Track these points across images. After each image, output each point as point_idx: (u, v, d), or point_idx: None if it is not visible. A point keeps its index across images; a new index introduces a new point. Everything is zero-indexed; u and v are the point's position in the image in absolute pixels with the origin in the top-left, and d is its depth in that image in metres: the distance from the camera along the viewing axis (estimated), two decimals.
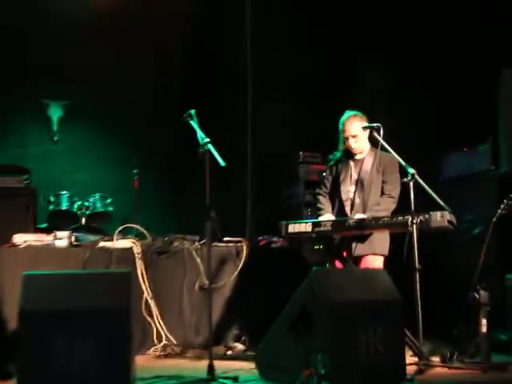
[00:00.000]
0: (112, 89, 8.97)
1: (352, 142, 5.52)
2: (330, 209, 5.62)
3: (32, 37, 8.43)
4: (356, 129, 5.48)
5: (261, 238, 6.82)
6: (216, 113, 7.59)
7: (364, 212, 5.40)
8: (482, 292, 4.97)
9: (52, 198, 7.83)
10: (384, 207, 5.37)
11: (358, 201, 5.50)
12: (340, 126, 5.58)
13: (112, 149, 9.26)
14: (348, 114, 5.57)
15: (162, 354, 5.73)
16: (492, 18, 7.09)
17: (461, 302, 5.28)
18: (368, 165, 5.51)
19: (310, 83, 8.43)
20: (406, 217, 4.91)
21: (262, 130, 8.46)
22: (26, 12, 8.24)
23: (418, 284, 4.73)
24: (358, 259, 5.44)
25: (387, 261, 5.43)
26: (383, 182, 5.48)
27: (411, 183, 4.89)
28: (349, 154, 5.64)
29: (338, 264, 5.49)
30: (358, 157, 5.60)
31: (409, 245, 4.83)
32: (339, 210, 5.58)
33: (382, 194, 5.47)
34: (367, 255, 5.40)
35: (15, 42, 8.33)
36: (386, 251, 5.43)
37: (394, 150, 5.22)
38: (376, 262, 5.37)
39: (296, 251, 6.46)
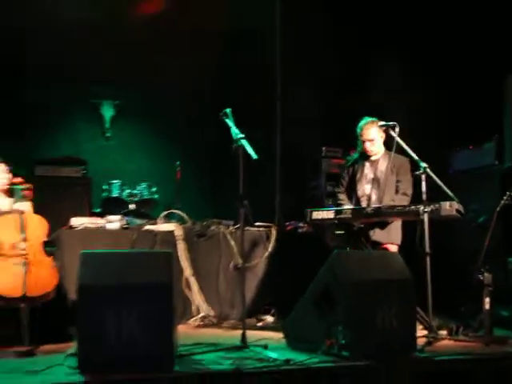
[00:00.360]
0: (157, 89, 8.99)
1: (368, 146, 5.49)
2: (348, 204, 5.59)
3: (85, 43, 8.48)
4: (372, 133, 5.45)
5: (288, 223, 6.80)
6: (248, 112, 7.58)
7: None
8: (485, 274, 4.91)
9: (105, 187, 7.91)
10: (399, 204, 5.32)
11: (374, 198, 5.47)
12: (358, 131, 5.54)
13: (157, 143, 9.30)
14: (366, 120, 5.52)
15: (200, 324, 5.75)
16: (500, 22, 6.95)
17: (467, 282, 5.24)
18: (383, 165, 5.48)
19: (333, 83, 8.37)
20: (418, 206, 4.88)
21: (289, 127, 8.44)
22: (76, 21, 8.27)
23: (428, 266, 4.70)
24: (375, 246, 5.41)
25: (401, 247, 5.40)
26: (397, 181, 5.44)
27: (423, 176, 4.85)
28: (365, 156, 5.60)
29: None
30: (373, 158, 5.56)
31: (420, 231, 4.80)
32: (356, 206, 5.56)
33: (397, 192, 5.43)
34: (385, 244, 5.38)
35: (71, 46, 8.37)
36: (399, 241, 5.41)
37: (407, 145, 5.18)
38: (392, 249, 5.34)
39: (319, 236, 6.43)
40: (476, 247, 5.37)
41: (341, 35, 8.23)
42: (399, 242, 5.42)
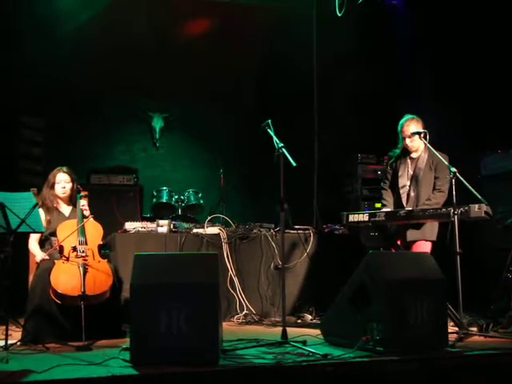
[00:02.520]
0: (202, 103, 9.11)
1: (408, 142, 5.44)
2: (391, 202, 5.56)
3: (137, 62, 8.64)
4: (412, 130, 5.40)
5: (325, 226, 6.79)
6: (287, 122, 7.61)
7: (417, 204, 5.34)
8: None
9: (155, 193, 8.02)
10: (435, 201, 5.27)
11: (412, 194, 5.43)
12: (399, 127, 5.51)
13: (203, 152, 9.40)
14: (406, 117, 5.49)
15: (243, 321, 5.78)
16: None
17: (496, 281, 5.16)
18: (422, 162, 5.43)
19: (366, 94, 8.34)
20: (449, 208, 4.83)
21: (326, 135, 8.43)
22: (133, 42, 8.45)
23: (458, 266, 4.64)
24: (410, 244, 5.36)
25: (435, 245, 5.33)
26: (435, 177, 5.39)
27: (453, 180, 4.81)
28: (406, 152, 5.56)
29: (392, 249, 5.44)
30: (413, 155, 5.51)
31: (451, 232, 4.75)
32: (397, 201, 5.53)
33: (434, 189, 5.38)
34: (419, 241, 5.32)
35: (126, 64, 8.55)
36: (434, 237, 5.32)
37: (439, 151, 5.15)
38: (425, 246, 5.28)
39: (355, 237, 6.42)
40: (504, 247, 5.29)
41: (373, 48, 8.19)
42: (434, 239, 5.32)
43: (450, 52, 7.51)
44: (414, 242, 5.34)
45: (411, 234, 5.33)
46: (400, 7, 7.94)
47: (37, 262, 4.92)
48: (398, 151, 5.64)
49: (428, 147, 5.23)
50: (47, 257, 4.87)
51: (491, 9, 6.88)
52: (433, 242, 5.33)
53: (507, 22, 6.79)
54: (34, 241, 5.02)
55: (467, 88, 7.21)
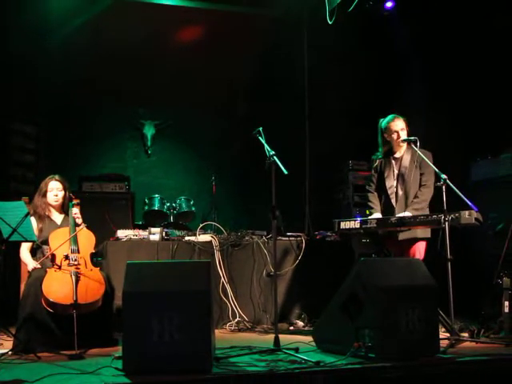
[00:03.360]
0: (194, 110, 9.13)
1: (402, 135, 5.43)
2: (379, 207, 5.57)
3: (129, 70, 8.65)
4: (401, 124, 5.42)
5: (317, 233, 6.80)
6: (279, 130, 7.64)
7: (406, 202, 5.35)
8: (504, 278, 4.87)
9: (146, 200, 8.02)
10: (422, 198, 5.29)
11: (400, 192, 5.43)
12: (384, 127, 5.50)
13: (194, 160, 9.42)
14: (391, 115, 5.50)
15: (235, 328, 5.79)
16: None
17: (487, 287, 5.18)
18: (406, 160, 5.44)
19: (356, 102, 8.38)
20: (440, 215, 4.84)
21: (318, 142, 8.47)
22: (137, 47, 8.48)
23: (449, 272, 4.65)
24: (403, 243, 5.34)
25: (429, 243, 5.31)
26: (420, 174, 5.40)
27: (443, 187, 4.83)
28: (389, 153, 5.57)
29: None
30: (397, 155, 5.52)
31: (442, 239, 4.77)
32: (386, 203, 5.51)
33: (420, 185, 5.40)
34: (412, 239, 5.30)
35: (119, 72, 8.56)
36: (428, 234, 5.30)
37: (422, 148, 5.19)
38: (420, 245, 5.28)
39: (346, 244, 6.43)
40: (495, 253, 5.31)
41: (363, 56, 8.24)
42: (427, 236, 5.29)
43: (442, 59, 7.57)
44: (406, 240, 5.32)
45: (403, 233, 5.31)
46: (393, 15, 7.97)
47: (28, 271, 4.90)
48: (380, 154, 5.66)
49: (416, 151, 5.22)
50: (39, 266, 4.85)
51: (484, 16, 6.93)
52: (426, 240, 5.33)
53: (498, 30, 6.85)
54: (25, 249, 5.00)
55: (458, 94, 7.27)
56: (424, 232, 5.30)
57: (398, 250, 5.41)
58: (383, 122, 5.52)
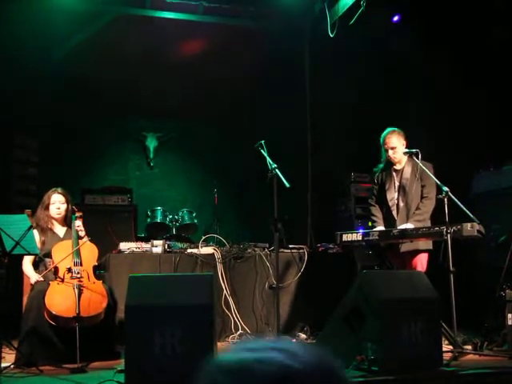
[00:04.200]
0: (196, 122, 9.17)
1: (391, 153, 5.48)
2: (381, 218, 5.58)
3: (130, 83, 8.72)
4: (394, 142, 5.45)
5: (319, 245, 6.80)
6: (281, 142, 7.68)
7: (408, 214, 5.36)
8: (507, 291, 4.86)
9: (149, 213, 8.03)
10: (424, 210, 5.31)
11: (401, 204, 5.44)
12: (381, 141, 5.55)
13: (196, 172, 9.45)
14: (388, 130, 5.54)
15: (238, 341, 5.76)
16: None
17: (490, 299, 5.18)
18: (407, 173, 5.47)
19: (359, 113, 8.40)
20: (442, 227, 4.85)
21: (320, 154, 8.50)
22: (139, 59, 8.55)
23: (452, 284, 4.66)
24: (405, 255, 5.34)
25: (431, 255, 5.31)
26: (422, 186, 5.43)
27: (445, 199, 4.84)
28: (390, 165, 5.59)
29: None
30: (397, 167, 5.55)
31: (444, 251, 4.78)
32: (387, 215, 5.52)
33: (422, 197, 5.41)
34: (414, 251, 5.30)
35: (122, 87, 8.62)
36: (430, 246, 5.31)
37: (423, 160, 5.20)
38: (422, 257, 5.28)
39: (349, 256, 6.44)
40: (498, 265, 5.31)
41: (366, 67, 8.27)
42: (429, 247, 5.30)
43: (444, 69, 7.58)
44: (409, 252, 5.33)
45: (404, 245, 5.31)
46: (397, 27, 8.01)
47: (31, 284, 4.91)
48: (381, 166, 5.69)
49: (417, 163, 5.24)
50: (41, 278, 4.87)
51: (486, 27, 6.96)
52: (428, 251, 5.33)
53: (500, 41, 6.87)
54: (27, 262, 5.02)
55: (460, 104, 7.29)
56: (426, 244, 5.30)
57: (399, 262, 5.41)
58: (382, 136, 5.56)
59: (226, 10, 8.32)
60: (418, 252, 5.30)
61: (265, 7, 8.23)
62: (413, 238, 5.15)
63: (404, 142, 5.48)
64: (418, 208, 5.37)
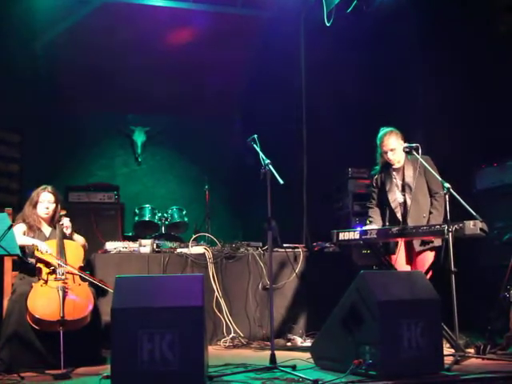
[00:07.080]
0: (186, 116, 9.16)
1: (390, 155, 5.48)
2: (379, 220, 5.58)
3: (118, 76, 8.68)
4: (393, 143, 5.45)
5: (315, 244, 6.80)
6: (275, 137, 7.66)
7: (418, 211, 5.35)
8: (511, 292, 4.87)
9: (137, 211, 8.01)
10: (438, 212, 5.29)
11: (409, 202, 5.40)
12: (378, 142, 5.54)
13: (186, 168, 9.44)
14: (385, 130, 5.53)
15: (230, 344, 5.78)
16: None
17: (493, 300, 5.18)
18: (409, 170, 5.47)
19: (356, 107, 8.40)
20: (443, 225, 4.85)
21: (315, 150, 8.48)
22: (126, 51, 8.52)
23: (453, 284, 4.66)
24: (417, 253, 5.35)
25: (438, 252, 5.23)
26: (427, 181, 5.43)
27: (447, 196, 4.84)
28: (388, 165, 5.59)
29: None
30: (396, 166, 5.54)
31: (445, 250, 4.78)
32: (391, 218, 5.51)
33: (430, 195, 5.40)
34: (420, 249, 5.31)
35: (107, 78, 8.59)
36: (435, 243, 5.28)
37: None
38: (428, 256, 5.30)
39: (346, 255, 6.44)
40: (501, 264, 5.32)
41: (364, 60, 8.27)
42: (435, 244, 5.28)
43: (444, 64, 7.59)
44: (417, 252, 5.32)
45: (417, 243, 5.30)
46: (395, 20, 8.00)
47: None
48: (378, 167, 5.68)
49: (417, 158, 5.24)
50: (43, 243, 4.82)
51: (487, 21, 6.98)
52: (435, 249, 5.31)
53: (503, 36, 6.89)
54: (19, 235, 4.88)
55: (462, 98, 7.29)
56: (437, 240, 5.26)
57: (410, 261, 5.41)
58: (378, 136, 5.55)
59: None
60: (431, 249, 5.30)
61: None
62: (412, 237, 5.15)
63: (402, 142, 5.47)
64: (434, 208, 5.35)
